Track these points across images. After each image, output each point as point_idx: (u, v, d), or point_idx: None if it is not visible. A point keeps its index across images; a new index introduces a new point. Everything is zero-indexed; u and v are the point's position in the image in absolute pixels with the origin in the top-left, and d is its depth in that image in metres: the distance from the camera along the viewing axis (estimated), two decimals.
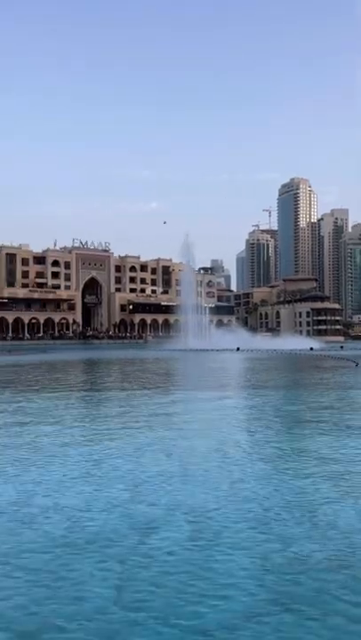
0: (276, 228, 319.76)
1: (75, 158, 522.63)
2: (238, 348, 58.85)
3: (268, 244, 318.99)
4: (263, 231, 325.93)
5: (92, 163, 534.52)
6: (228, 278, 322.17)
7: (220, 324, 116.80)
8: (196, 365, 36.90)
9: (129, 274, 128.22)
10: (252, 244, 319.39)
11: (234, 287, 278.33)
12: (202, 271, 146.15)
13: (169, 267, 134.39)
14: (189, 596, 4.04)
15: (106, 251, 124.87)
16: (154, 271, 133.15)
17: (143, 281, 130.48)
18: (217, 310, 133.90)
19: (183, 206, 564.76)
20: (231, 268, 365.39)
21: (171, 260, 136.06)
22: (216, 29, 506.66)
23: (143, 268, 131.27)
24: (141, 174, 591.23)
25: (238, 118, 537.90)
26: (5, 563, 4.70)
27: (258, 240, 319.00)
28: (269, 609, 3.83)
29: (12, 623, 3.76)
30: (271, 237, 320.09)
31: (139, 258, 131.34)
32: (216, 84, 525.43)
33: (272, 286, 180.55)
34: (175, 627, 3.66)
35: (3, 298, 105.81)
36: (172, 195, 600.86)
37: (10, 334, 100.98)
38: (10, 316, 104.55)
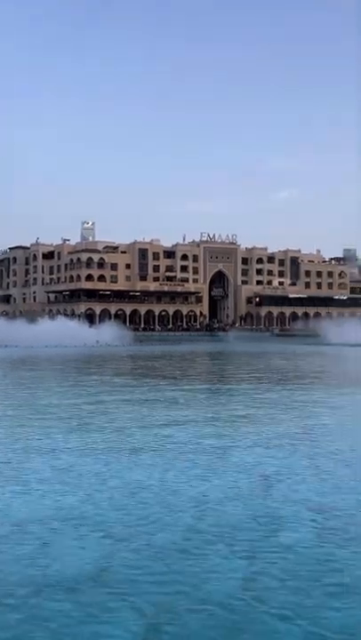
0: None
1: (205, 152, 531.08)
2: None
3: None
4: None
5: (222, 157, 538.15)
6: None
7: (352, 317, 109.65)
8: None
9: (256, 266, 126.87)
10: None
11: None
12: (333, 261, 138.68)
13: (297, 258, 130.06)
14: None
15: (233, 243, 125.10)
16: (282, 262, 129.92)
17: (270, 273, 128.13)
18: (350, 303, 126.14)
19: (313, 195, 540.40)
20: None
21: (299, 250, 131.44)
22: None
23: (270, 259, 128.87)
24: (270, 164, 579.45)
25: None
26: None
27: None
28: None
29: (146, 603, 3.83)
30: None
31: (266, 249, 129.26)
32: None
33: None
34: None
35: (136, 291, 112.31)
36: (301, 183, 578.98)
37: (142, 326, 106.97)
38: (142, 309, 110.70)
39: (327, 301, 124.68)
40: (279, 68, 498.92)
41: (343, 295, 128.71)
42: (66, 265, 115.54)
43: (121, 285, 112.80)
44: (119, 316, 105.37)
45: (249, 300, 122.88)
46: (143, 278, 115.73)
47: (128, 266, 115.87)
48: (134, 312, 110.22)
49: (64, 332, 57.12)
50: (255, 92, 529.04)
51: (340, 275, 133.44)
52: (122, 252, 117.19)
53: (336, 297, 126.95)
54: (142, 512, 5.68)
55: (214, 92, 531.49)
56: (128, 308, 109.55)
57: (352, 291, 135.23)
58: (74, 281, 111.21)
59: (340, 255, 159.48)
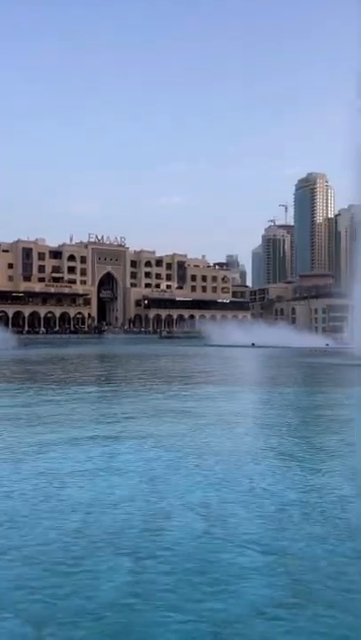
0: (292, 224, 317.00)
1: (99, 154, 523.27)
2: (253, 344, 58.58)
3: (284, 240, 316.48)
4: (279, 226, 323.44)
5: (118, 159, 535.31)
6: (243, 274, 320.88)
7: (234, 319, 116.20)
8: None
9: (144, 269, 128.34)
10: (269, 239, 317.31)
11: (249, 283, 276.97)
12: (217, 267, 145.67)
13: (184, 262, 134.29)
14: None
15: (121, 245, 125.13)
16: (169, 266, 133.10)
17: (158, 276, 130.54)
18: (232, 306, 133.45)
19: (201, 201, 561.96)
20: (247, 263, 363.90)
21: (186, 255, 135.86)
22: (246, 31, 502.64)
23: (158, 263, 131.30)
24: (162, 169, 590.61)
25: (257, 113, 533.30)
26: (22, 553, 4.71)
27: (274, 235, 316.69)
28: None
29: (26, 614, 3.75)
30: (288, 233, 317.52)
31: (154, 253, 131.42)
32: (236, 72, 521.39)
33: (288, 282, 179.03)
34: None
35: (19, 292, 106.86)
36: (191, 190, 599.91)
37: (26, 328, 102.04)
38: (26, 310, 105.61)
39: (211, 304, 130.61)
40: (181, 73, 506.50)
41: (226, 299, 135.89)
42: None
43: (2, 286, 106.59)
44: (0, 318, 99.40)
45: (138, 303, 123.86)
46: (27, 279, 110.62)
47: (10, 265, 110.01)
48: (17, 314, 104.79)
49: None
50: (155, 97, 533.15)
51: (223, 279, 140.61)
52: (3, 251, 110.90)
53: (220, 300, 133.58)
54: (19, 520, 5.50)
55: (115, 93, 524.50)
56: (10, 310, 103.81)
57: (234, 294, 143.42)
58: None
59: (224, 261, 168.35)
